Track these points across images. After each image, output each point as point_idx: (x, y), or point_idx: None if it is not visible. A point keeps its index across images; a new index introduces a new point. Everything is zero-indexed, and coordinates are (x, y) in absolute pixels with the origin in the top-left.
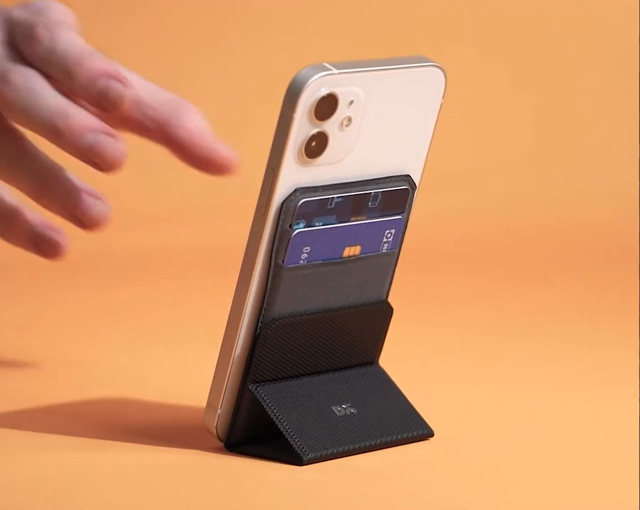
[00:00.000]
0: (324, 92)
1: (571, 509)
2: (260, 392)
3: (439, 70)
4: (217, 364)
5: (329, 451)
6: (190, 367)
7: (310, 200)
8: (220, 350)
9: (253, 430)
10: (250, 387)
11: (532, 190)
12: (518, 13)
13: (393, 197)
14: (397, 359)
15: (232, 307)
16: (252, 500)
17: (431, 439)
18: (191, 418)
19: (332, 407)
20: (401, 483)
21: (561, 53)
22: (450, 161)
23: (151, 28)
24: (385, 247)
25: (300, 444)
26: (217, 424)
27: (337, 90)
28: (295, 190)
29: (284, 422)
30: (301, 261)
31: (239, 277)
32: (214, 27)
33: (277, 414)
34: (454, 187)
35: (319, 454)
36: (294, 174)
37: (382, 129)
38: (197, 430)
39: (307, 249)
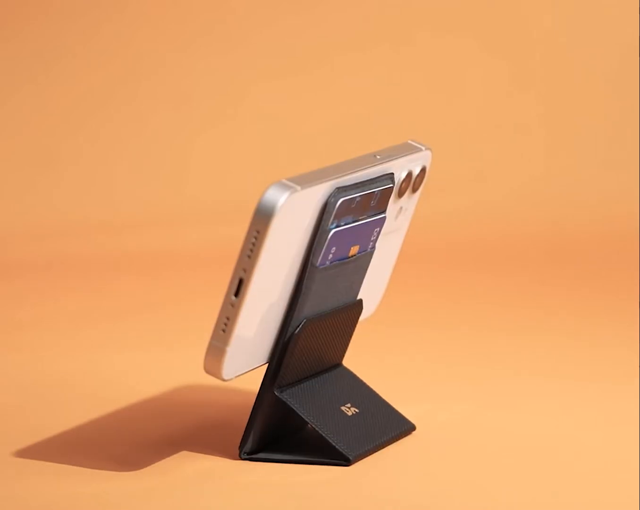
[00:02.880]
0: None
1: (567, 505)
2: (286, 397)
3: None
4: None
5: (362, 449)
6: (196, 369)
7: (345, 199)
8: None
9: (265, 437)
10: (276, 392)
11: (534, 191)
12: (520, 9)
13: (383, 195)
14: (399, 356)
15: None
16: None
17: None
18: (200, 422)
19: (341, 408)
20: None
21: (563, 52)
22: (453, 163)
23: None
24: (370, 246)
25: (343, 445)
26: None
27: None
28: (337, 188)
29: (320, 425)
30: (327, 262)
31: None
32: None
33: (312, 419)
34: (455, 189)
35: (357, 453)
36: None
37: None
38: (208, 434)
39: (333, 249)
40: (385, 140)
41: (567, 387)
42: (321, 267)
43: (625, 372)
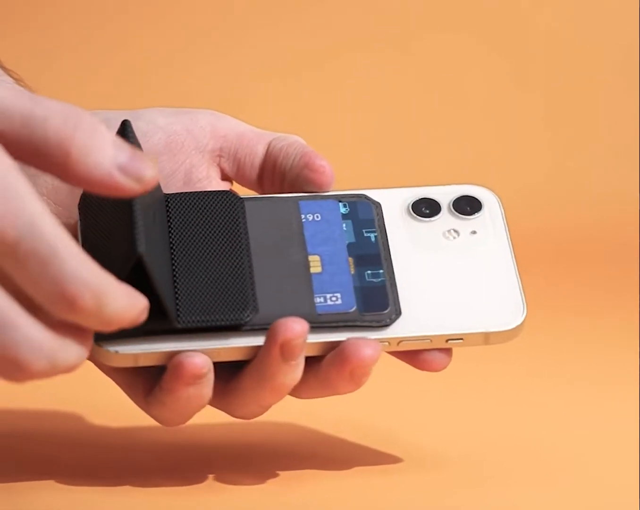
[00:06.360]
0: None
1: (567, 506)
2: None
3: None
4: None
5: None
6: None
7: None
8: None
9: None
10: None
11: (535, 192)
12: (523, 9)
13: None
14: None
15: None
16: None
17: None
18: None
19: None
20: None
21: (565, 52)
22: (454, 164)
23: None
24: None
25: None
26: None
27: None
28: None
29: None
30: None
31: None
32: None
33: None
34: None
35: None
36: None
37: None
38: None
39: None
40: (385, 141)
41: (567, 387)
42: None
43: (626, 372)
